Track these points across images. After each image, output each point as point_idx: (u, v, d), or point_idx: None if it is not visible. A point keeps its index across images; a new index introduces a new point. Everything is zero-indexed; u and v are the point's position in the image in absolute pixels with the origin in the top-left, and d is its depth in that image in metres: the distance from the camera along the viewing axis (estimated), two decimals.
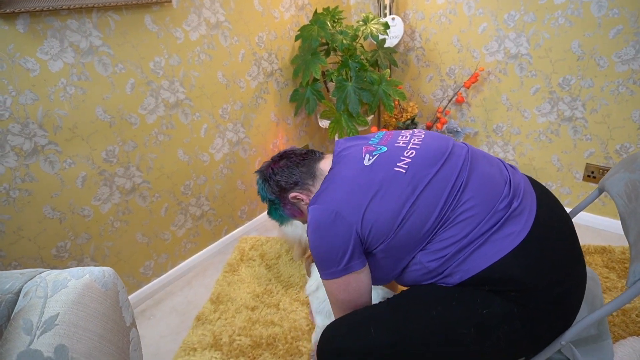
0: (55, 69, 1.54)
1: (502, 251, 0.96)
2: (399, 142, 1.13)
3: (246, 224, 2.51)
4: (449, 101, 2.51)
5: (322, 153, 1.26)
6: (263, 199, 1.28)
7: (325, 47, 2.35)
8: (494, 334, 0.96)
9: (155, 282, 2.09)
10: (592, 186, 2.22)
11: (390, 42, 2.45)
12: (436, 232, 1.00)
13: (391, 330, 1.00)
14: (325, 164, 1.22)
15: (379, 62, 2.35)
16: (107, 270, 0.87)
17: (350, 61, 2.21)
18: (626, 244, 2.13)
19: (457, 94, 2.42)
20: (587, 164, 2.20)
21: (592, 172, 2.19)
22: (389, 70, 2.28)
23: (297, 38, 2.23)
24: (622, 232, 2.19)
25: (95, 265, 1.79)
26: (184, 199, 2.12)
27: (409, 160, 1.06)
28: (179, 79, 1.93)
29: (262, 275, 2.15)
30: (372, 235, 1.01)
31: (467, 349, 0.97)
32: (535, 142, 2.32)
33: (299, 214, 1.26)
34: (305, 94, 2.35)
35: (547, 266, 0.96)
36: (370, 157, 1.09)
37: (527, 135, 2.34)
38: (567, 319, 0.99)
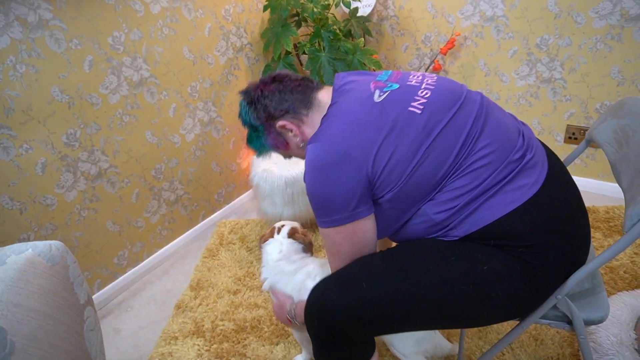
0: (2, 46, 1.41)
1: (514, 203, 0.89)
2: (411, 81, 1.01)
3: (224, 208, 2.42)
4: (426, 70, 2.45)
5: (320, 83, 1.12)
6: (244, 123, 1.10)
7: (296, 18, 2.25)
8: (494, 291, 0.90)
9: (131, 273, 1.99)
10: (574, 148, 2.19)
11: (363, 11, 2.36)
12: (448, 180, 0.91)
13: (384, 284, 0.93)
14: (324, 95, 1.07)
15: (352, 32, 2.26)
16: (54, 244, 0.78)
17: (322, 31, 2.12)
18: (610, 203, 2.12)
19: (434, 62, 2.35)
20: (567, 125, 2.17)
21: (574, 134, 2.17)
22: (362, 39, 2.19)
23: (265, 8, 2.12)
24: (605, 193, 2.18)
25: None
26: (156, 184, 2.01)
27: (425, 100, 0.95)
28: (141, 56, 1.81)
29: (243, 258, 2.07)
30: (382, 180, 0.91)
31: (464, 306, 0.92)
32: (515, 106, 2.28)
33: (283, 146, 1.10)
34: (277, 68, 2.25)
35: (557, 222, 0.90)
36: (381, 94, 0.97)
37: (507, 100, 2.30)
38: (569, 275, 0.94)
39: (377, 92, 0.97)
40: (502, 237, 0.89)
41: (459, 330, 1.56)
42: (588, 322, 1.02)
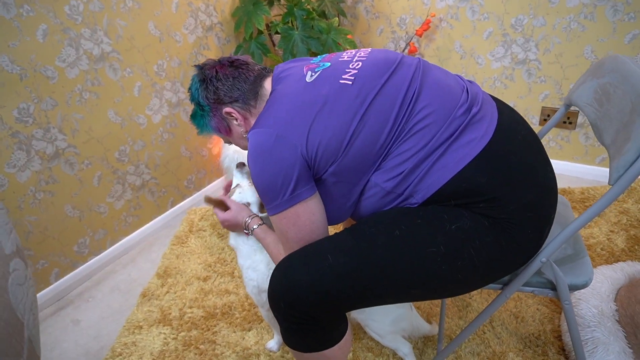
0: None
1: (465, 159, 0.86)
2: (343, 57, 1.01)
3: (194, 195, 2.32)
4: (402, 52, 2.41)
5: (268, 72, 1.09)
6: (192, 99, 1.07)
7: None
8: (465, 250, 0.86)
9: (93, 262, 1.87)
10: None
11: None
12: (391, 146, 0.89)
13: (350, 254, 0.87)
14: (268, 83, 1.05)
15: (326, 13, 2.20)
16: None
17: (295, 9, 2.05)
18: (584, 185, 2.12)
19: (410, 45, 2.32)
20: (542, 107, 2.16)
21: (548, 116, 2.16)
22: (337, 18, 2.14)
23: None
24: (580, 175, 2.18)
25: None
26: (120, 167, 1.90)
27: (355, 71, 0.93)
28: (102, 28, 1.70)
29: (214, 244, 1.97)
30: (320, 156, 0.88)
31: (437, 270, 0.86)
32: (491, 89, 2.26)
33: (225, 132, 1.07)
34: (249, 48, 2.17)
35: (514, 171, 0.88)
36: (313, 74, 0.96)
37: (482, 82, 2.28)
38: (541, 230, 0.90)
39: (309, 73, 0.97)
40: (461, 196, 0.87)
41: (439, 310, 1.51)
42: (572, 287, 0.99)
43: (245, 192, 1.21)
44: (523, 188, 0.87)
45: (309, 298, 0.87)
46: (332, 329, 0.95)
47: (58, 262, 1.74)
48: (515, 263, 0.93)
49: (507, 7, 2.06)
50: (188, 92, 1.09)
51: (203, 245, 1.97)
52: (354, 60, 0.98)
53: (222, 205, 1.18)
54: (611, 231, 1.79)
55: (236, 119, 1.04)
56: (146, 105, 1.94)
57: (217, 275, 1.78)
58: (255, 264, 1.18)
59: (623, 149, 0.84)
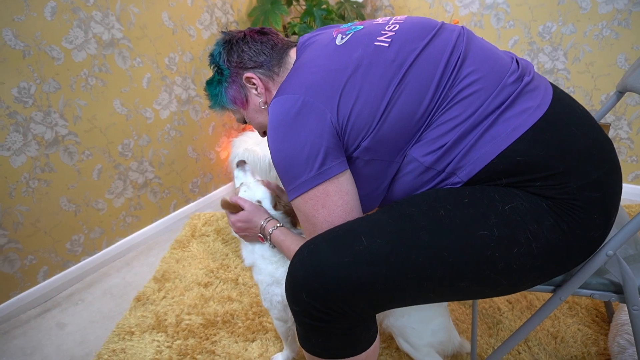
0: None
1: (519, 129, 0.74)
2: (378, 21, 0.91)
3: (199, 200, 2.19)
4: None
5: (294, 42, 1.00)
6: (212, 62, 0.98)
7: None
8: (522, 234, 0.72)
9: (86, 262, 1.72)
10: None
11: None
12: (433, 115, 0.77)
13: (388, 236, 0.73)
14: (294, 52, 0.96)
15: (345, 16, 2.14)
16: None
17: (315, 9, 1.98)
18: None
19: None
20: None
21: None
22: (357, 20, 2.06)
23: None
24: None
25: (3, 236, 1.42)
26: (123, 161, 1.78)
27: (392, 33, 0.83)
28: (114, 13, 1.63)
29: (217, 250, 1.83)
30: (352, 126, 0.77)
31: (490, 258, 0.72)
32: None
33: (241, 103, 0.97)
34: None
35: (578, 144, 0.75)
36: (344, 37, 0.85)
37: None
38: (609, 215, 0.76)
39: (340, 36, 0.86)
40: (514, 173, 0.74)
41: (467, 327, 1.35)
42: None
43: (252, 189, 1.09)
44: (588, 163, 0.74)
45: (337, 287, 0.71)
46: (361, 332, 0.79)
47: (48, 260, 1.60)
48: (577, 255, 0.78)
49: (534, 14, 1.98)
50: (209, 57, 0.99)
51: (206, 250, 1.83)
52: (390, 23, 0.88)
53: (238, 209, 1.05)
54: None
55: (256, 88, 0.94)
56: (155, 99, 1.85)
57: (220, 282, 1.62)
58: (279, 279, 1.03)
59: None
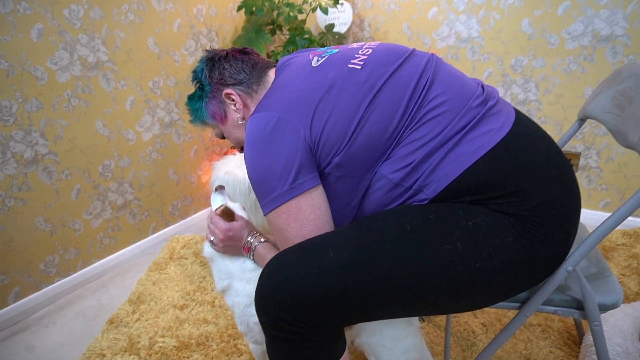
0: None
1: (482, 149, 0.78)
2: (352, 46, 0.96)
3: (179, 223, 2.18)
4: None
5: (274, 63, 1.04)
6: (195, 78, 1.03)
7: (271, 27, 2.19)
8: (484, 249, 0.75)
9: (60, 284, 1.69)
10: None
11: (338, 29, 2.34)
12: (402, 134, 0.81)
13: (355, 249, 0.75)
14: (273, 72, 1.00)
15: (326, 46, 2.21)
16: None
17: (297, 38, 2.05)
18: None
19: None
20: None
21: None
22: None
23: (239, 8, 2.05)
24: (582, 220, 2.07)
25: None
26: (102, 182, 1.78)
27: (365, 57, 0.88)
28: (100, 36, 1.67)
29: (195, 273, 1.81)
30: (324, 142, 0.80)
31: (454, 272, 0.74)
32: None
33: (220, 118, 1.01)
34: None
35: (537, 164, 0.79)
36: (319, 59, 0.90)
37: None
38: (567, 232, 0.80)
39: (316, 58, 0.91)
40: (477, 190, 0.78)
41: (441, 349, 1.35)
42: (601, 307, 0.87)
43: (236, 211, 1.10)
44: (547, 182, 0.78)
45: (305, 298, 0.73)
46: (329, 345, 0.80)
47: (20, 280, 1.57)
48: (538, 271, 0.81)
49: (507, 48, 2.08)
50: (192, 73, 1.04)
51: (183, 273, 1.81)
52: (364, 47, 0.93)
53: (232, 217, 1.06)
54: (622, 274, 1.68)
55: (235, 104, 0.98)
56: (137, 121, 1.87)
57: (196, 304, 1.60)
58: None
59: None
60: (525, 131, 0.83)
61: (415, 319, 0.97)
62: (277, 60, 2.05)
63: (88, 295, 1.73)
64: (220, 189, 1.18)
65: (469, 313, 1.48)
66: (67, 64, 1.58)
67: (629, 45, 1.83)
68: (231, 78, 0.97)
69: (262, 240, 0.99)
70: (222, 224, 1.03)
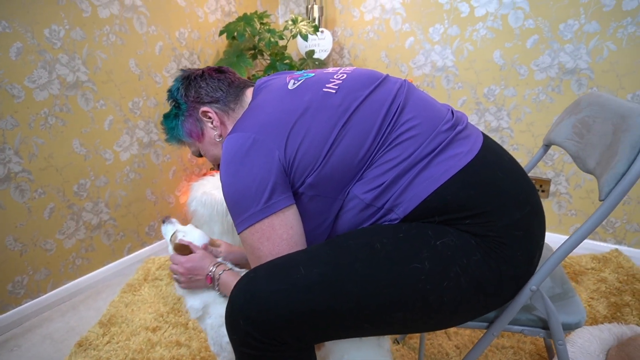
0: None
1: (450, 171, 0.81)
2: (328, 70, 1.00)
3: (155, 244, 2.15)
4: None
5: (251, 82, 1.07)
6: (170, 96, 1.03)
7: (252, 52, 2.24)
8: (452, 269, 0.77)
9: (27, 306, 1.64)
10: None
11: (319, 55, 2.40)
12: (374, 156, 0.84)
13: (325, 266, 0.77)
14: (250, 92, 1.03)
15: None
16: None
17: (278, 63, 2.10)
18: None
19: None
20: None
21: None
22: None
23: (221, 33, 2.09)
24: (553, 245, 2.13)
25: None
26: (77, 202, 1.76)
27: (340, 81, 0.91)
28: (81, 57, 1.68)
29: (169, 294, 1.79)
30: (299, 162, 0.82)
31: (422, 290, 0.76)
32: None
33: (196, 136, 1.02)
34: None
35: (503, 186, 0.83)
36: (296, 82, 0.93)
37: None
38: (531, 253, 0.83)
39: (292, 81, 0.94)
40: (446, 211, 0.81)
41: None
42: (565, 327, 0.90)
43: (190, 233, 1.08)
44: (512, 204, 0.82)
45: (274, 315, 0.74)
46: None
47: None
48: (504, 290, 0.84)
49: (480, 78, 2.17)
50: (167, 92, 1.05)
51: (157, 294, 1.78)
52: (339, 72, 0.97)
53: (189, 251, 1.04)
54: (591, 298, 1.72)
55: (212, 121, 1.00)
56: (115, 141, 1.87)
57: (169, 326, 1.58)
58: None
59: (611, 164, 0.81)
60: (491, 155, 0.87)
61: (386, 341, 0.98)
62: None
63: (57, 317, 1.68)
64: (167, 219, 1.16)
65: (443, 335, 1.49)
66: (45, 83, 1.58)
67: (592, 78, 1.92)
68: (207, 96, 0.99)
69: (225, 268, 0.99)
70: (180, 258, 1.02)
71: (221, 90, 0.99)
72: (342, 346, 0.93)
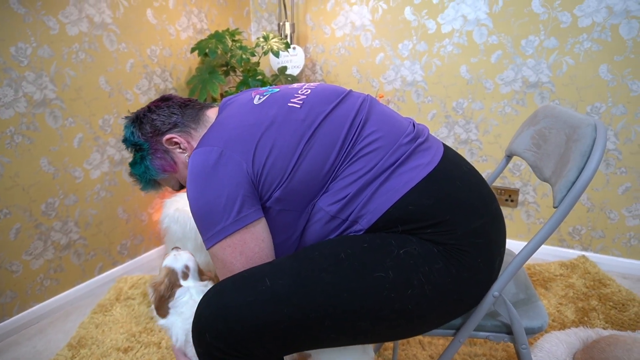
0: None
1: (411, 182, 0.84)
2: (293, 86, 1.02)
3: (127, 263, 2.11)
4: None
5: (211, 104, 1.07)
6: (128, 144, 1.01)
7: (224, 68, 2.25)
8: (415, 277, 0.79)
9: None
10: None
11: (291, 71, 2.43)
12: (338, 169, 0.86)
13: (291, 277, 0.77)
14: (212, 112, 1.03)
15: None
16: None
17: (250, 80, 2.12)
18: (529, 262, 2.14)
19: None
20: None
21: None
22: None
23: (192, 50, 2.10)
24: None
25: None
26: (45, 221, 1.72)
27: (304, 96, 0.94)
28: (48, 74, 1.66)
29: (142, 313, 1.75)
30: (266, 176, 0.83)
31: (386, 299, 0.78)
32: None
33: (170, 167, 1.00)
34: None
35: (461, 196, 0.86)
36: (261, 97, 0.95)
37: None
38: (492, 260, 0.86)
39: (258, 96, 0.96)
40: (408, 221, 0.83)
41: None
42: (528, 331, 0.92)
43: (181, 255, 1.07)
44: (471, 213, 0.85)
45: (241, 327, 0.74)
46: None
47: None
48: (467, 297, 0.86)
49: (448, 92, 2.23)
50: (122, 142, 1.03)
51: (129, 314, 1.75)
52: (304, 87, 0.99)
53: (162, 302, 1.01)
54: (560, 303, 1.76)
55: (179, 145, 0.99)
56: (85, 159, 1.84)
57: (141, 346, 1.55)
58: None
59: (563, 172, 0.85)
60: (451, 166, 0.90)
61: (370, 348, 0.98)
62: (215, 100, 2.10)
63: (23, 341, 1.63)
64: (176, 249, 1.13)
65: (417, 345, 1.51)
66: (11, 101, 1.56)
67: (553, 91, 2.01)
68: (164, 125, 0.98)
69: None
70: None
71: (175, 114, 0.99)
72: (327, 354, 0.93)
